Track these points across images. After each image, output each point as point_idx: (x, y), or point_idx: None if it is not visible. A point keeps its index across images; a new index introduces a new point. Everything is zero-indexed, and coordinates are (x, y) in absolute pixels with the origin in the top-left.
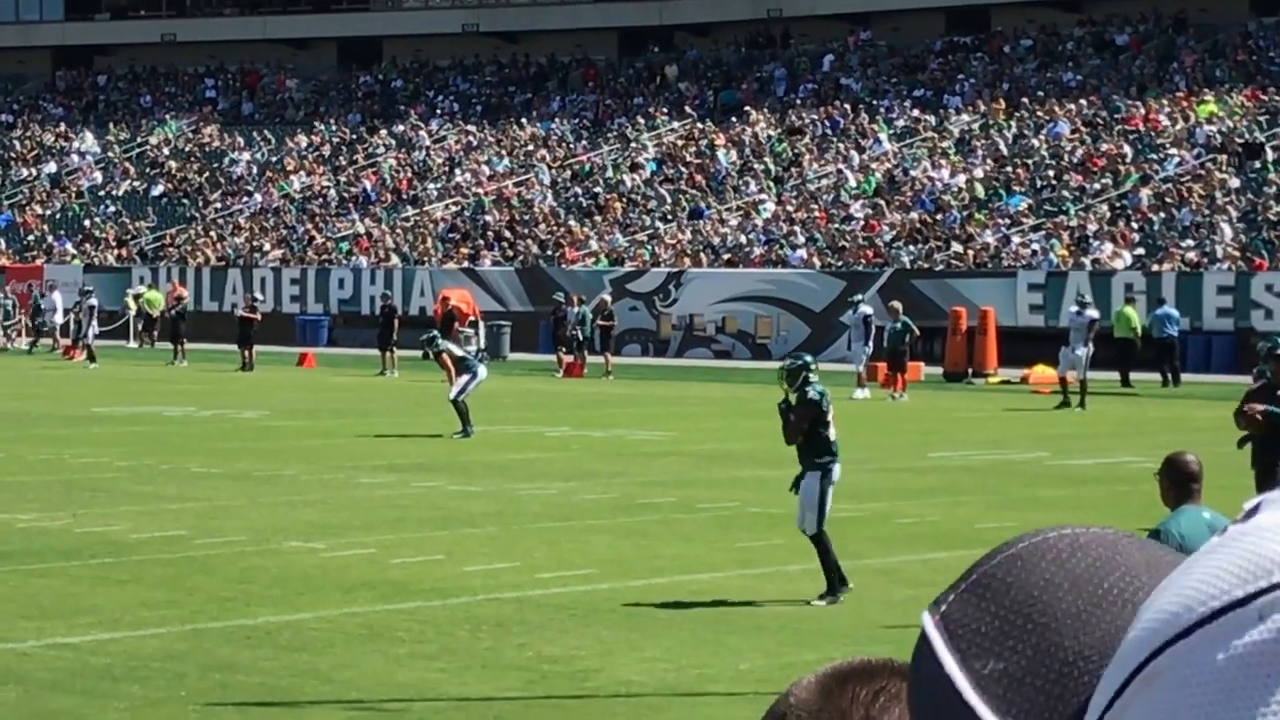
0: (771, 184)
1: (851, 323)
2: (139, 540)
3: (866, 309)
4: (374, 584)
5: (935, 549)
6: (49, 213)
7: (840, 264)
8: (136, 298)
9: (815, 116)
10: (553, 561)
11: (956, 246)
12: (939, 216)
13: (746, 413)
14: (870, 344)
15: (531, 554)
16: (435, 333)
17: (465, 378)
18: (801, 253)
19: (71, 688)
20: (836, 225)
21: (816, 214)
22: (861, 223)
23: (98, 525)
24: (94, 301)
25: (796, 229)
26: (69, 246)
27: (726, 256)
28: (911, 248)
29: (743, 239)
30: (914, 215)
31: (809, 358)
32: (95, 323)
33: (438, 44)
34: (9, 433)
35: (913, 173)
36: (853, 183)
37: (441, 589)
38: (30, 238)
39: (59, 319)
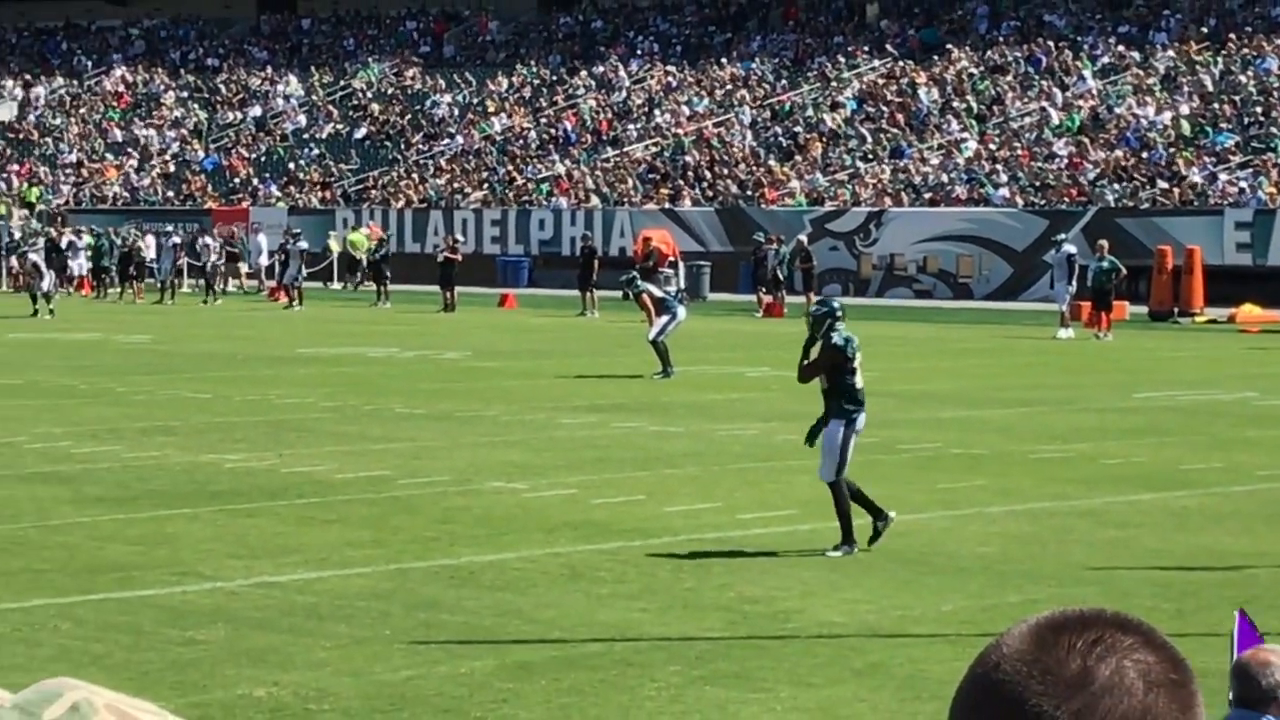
0: (973, 122)
1: (1055, 262)
2: (344, 480)
3: (1070, 248)
4: (576, 524)
5: (1141, 490)
6: (254, 156)
7: (1043, 203)
8: (345, 241)
9: (1018, 54)
10: (754, 502)
11: (1162, 184)
12: (1144, 154)
13: (948, 353)
14: (1074, 283)
15: (732, 494)
16: (634, 273)
17: (665, 318)
18: (1004, 191)
19: (279, 626)
20: (1039, 163)
21: (1019, 152)
22: (1065, 161)
23: (303, 465)
24: (304, 244)
25: (999, 167)
26: (274, 189)
27: (928, 195)
28: (1116, 186)
29: (944, 178)
30: (1118, 153)
31: (837, 304)
32: (303, 265)
33: None
34: (216, 373)
35: (1117, 110)
36: (1056, 120)
37: (643, 529)
38: (236, 181)
39: (264, 261)
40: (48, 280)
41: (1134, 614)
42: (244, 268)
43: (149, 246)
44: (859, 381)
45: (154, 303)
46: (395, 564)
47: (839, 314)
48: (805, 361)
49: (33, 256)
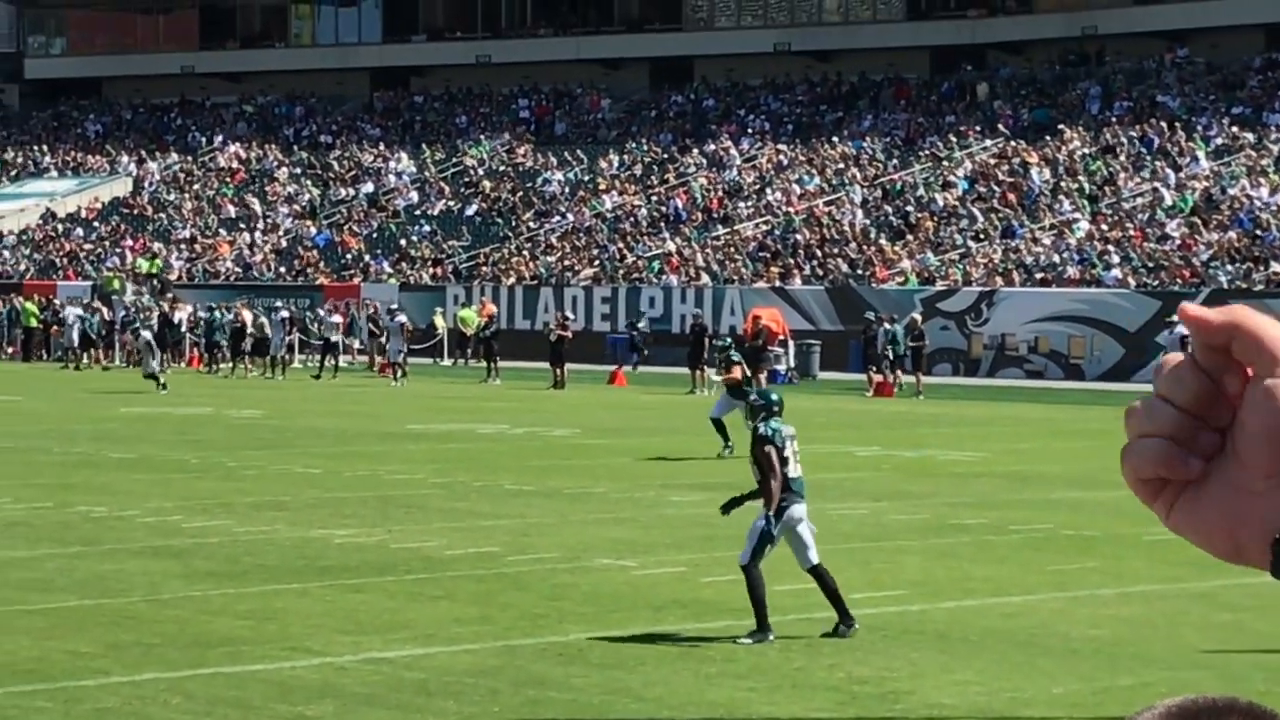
0: (1085, 202)
1: (1167, 343)
2: (453, 556)
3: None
4: (685, 602)
5: (1254, 573)
6: (366, 232)
7: (1156, 283)
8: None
9: (1130, 134)
10: (864, 582)
11: (1275, 266)
12: (1258, 235)
13: (1060, 434)
14: None
15: (842, 574)
16: (730, 341)
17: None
18: (1116, 272)
19: (387, 702)
20: (1152, 244)
21: (1132, 233)
22: (1178, 241)
23: (412, 541)
24: (402, 319)
25: (1111, 248)
26: (385, 266)
27: (1039, 275)
28: (1229, 267)
29: (1056, 258)
30: (1232, 234)
31: (775, 398)
32: (405, 341)
33: (749, 63)
34: (327, 449)
35: (1231, 191)
36: (1169, 201)
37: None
38: (348, 257)
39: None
40: (156, 360)
41: (1266, 704)
42: (355, 343)
43: (250, 321)
44: (792, 471)
45: (264, 377)
46: (503, 641)
47: (775, 408)
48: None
49: (145, 334)
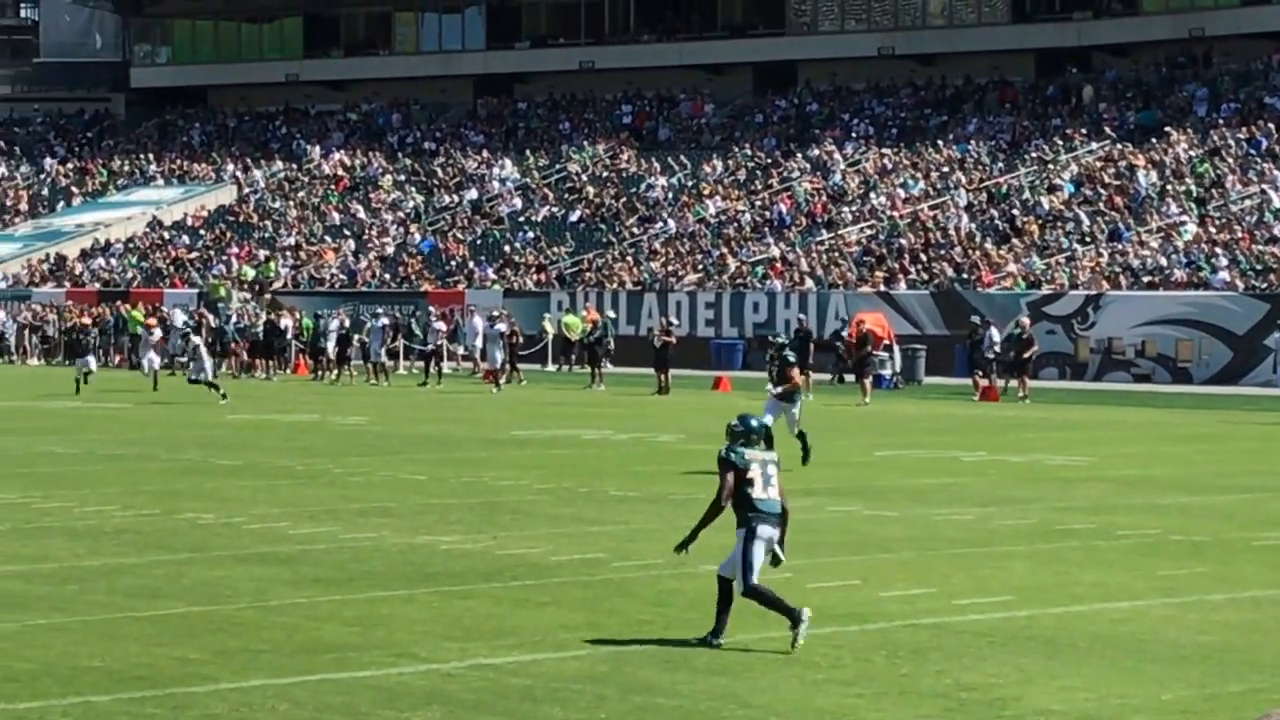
0: (1193, 205)
1: (1276, 346)
2: (558, 563)
3: None
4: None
5: None
6: (470, 239)
7: (1264, 286)
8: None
9: (1238, 136)
10: (970, 588)
11: None
12: None
13: (1168, 438)
14: None
15: (948, 580)
16: (785, 342)
17: (795, 408)
18: (1224, 275)
19: (493, 709)
20: (1260, 246)
21: (1239, 235)
22: None
23: (518, 547)
24: (501, 327)
25: (1219, 250)
26: (489, 272)
27: (1146, 279)
28: None
29: (1163, 261)
30: None
31: (755, 423)
32: (502, 348)
33: (853, 67)
34: (432, 455)
35: None
36: (1277, 203)
37: (858, 614)
38: (451, 263)
39: (479, 344)
40: (208, 367)
41: None
42: (460, 349)
43: (332, 331)
44: (757, 493)
45: (369, 384)
46: (610, 647)
47: (755, 435)
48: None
49: (195, 339)
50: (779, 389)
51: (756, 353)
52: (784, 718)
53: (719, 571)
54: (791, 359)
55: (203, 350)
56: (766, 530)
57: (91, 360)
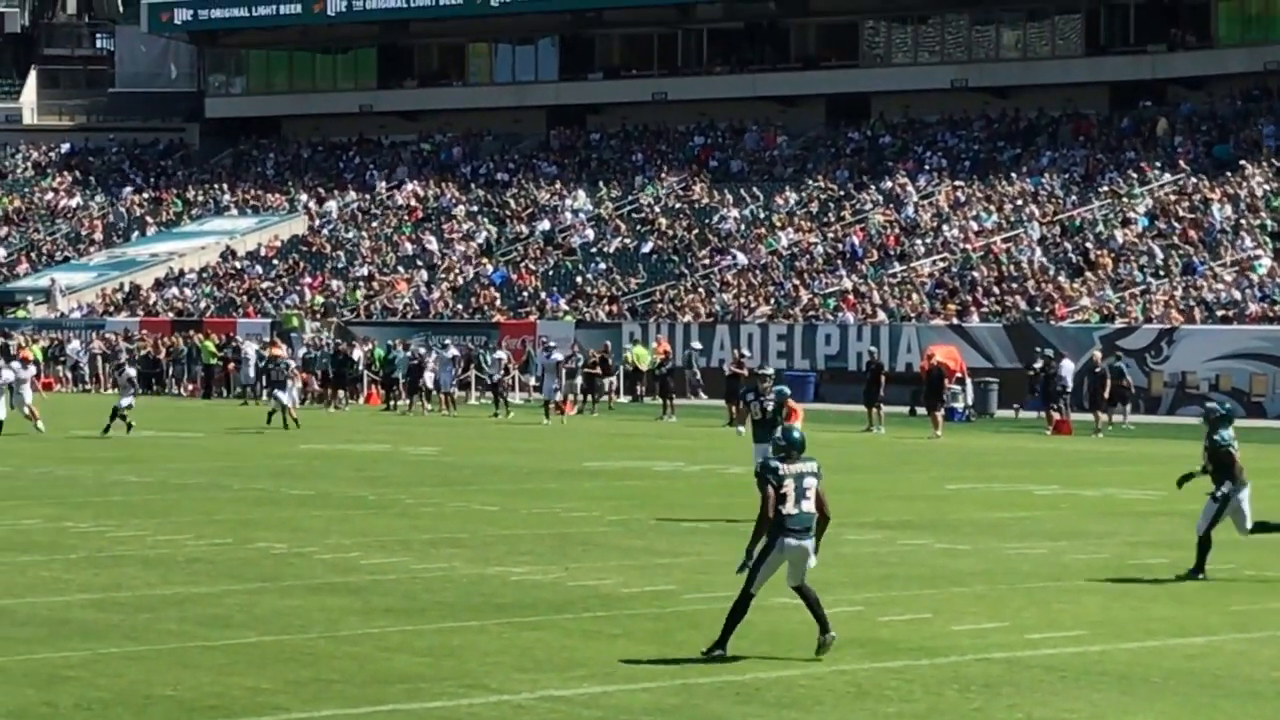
0: (1268, 239)
1: None
2: (629, 594)
3: None
4: (862, 641)
5: None
6: (542, 269)
7: None
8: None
9: None
10: (1043, 622)
11: None
12: None
13: None
14: None
15: (1020, 614)
16: (752, 390)
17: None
18: None
19: None
20: None
21: None
22: None
23: (589, 579)
24: (557, 356)
25: None
26: (561, 303)
27: (1220, 313)
28: None
29: (1237, 294)
30: None
31: (795, 435)
32: (562, 379)
33: (926, 99)
34: (504, 486)
35: None
36: None
37: (929, 648)
38: (524, 294)
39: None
40: (131, 397)
41: None
42: (531, 380)
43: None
44: (789, 509)
45: (440, 414)
46: (680, 679)
47: (794, 448)
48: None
49: (129, 370)
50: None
51: (828, 385)
52: None
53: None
54: (788, 392)
55: (134, 380)
56: (792, 543)
57: (283, 395)
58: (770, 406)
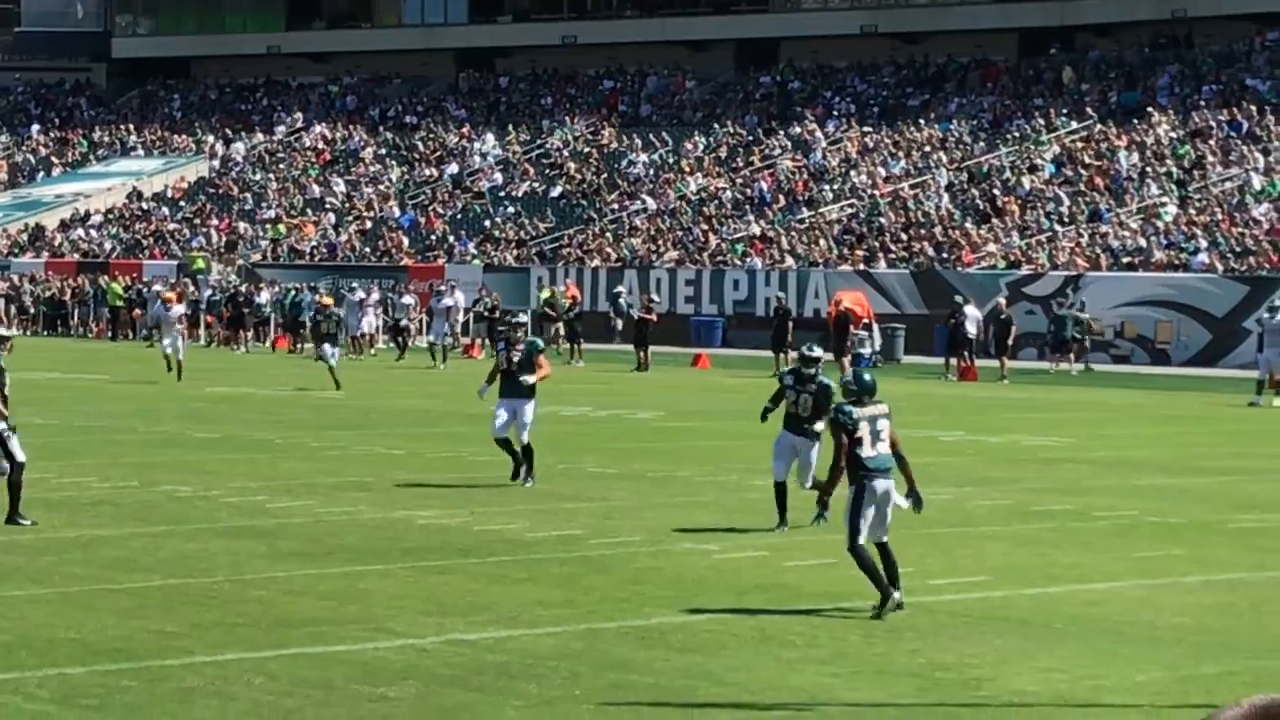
0: (1173, 186)
1: (1268, 327)
2: (535, 539)
3: None
4: (767, 587)
5: None
6: (450, 213)
7: (1243, 268)
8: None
9: (1219, 118)
10: (946, 568)
11: None
12: None
13: (1146, 419)
14: None
15: (925, 560)
16: (505, 340)
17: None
18: (1203, 257)
19: (469, 684)
20: (1240, 229)
21: (1220, 218)
22: (1266, 226)
23: (495, 523)
24: (448, 301)
25: (1199, 232)
26: (470, 247)
27: (1126, 260)
28: None
29: (1143, 242)
30: None
31: (867, 378)
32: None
33: (835, 45)
34: (410, 430)
35: None
36: (1257, 185)
37: (834, 593)
38: (432, 238)
39: (460, 318)
40: (335, 352)
41: None
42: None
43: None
44: (866, 451)
45: (348, 358)
46: (586, 624)
47: (866, 392)
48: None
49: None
50: (533, 378)
51: (736, 330)
52: (758, 695)
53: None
54: (540, 345)
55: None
56: (881, 485)
57: (330, 352)
58: (518, 359)
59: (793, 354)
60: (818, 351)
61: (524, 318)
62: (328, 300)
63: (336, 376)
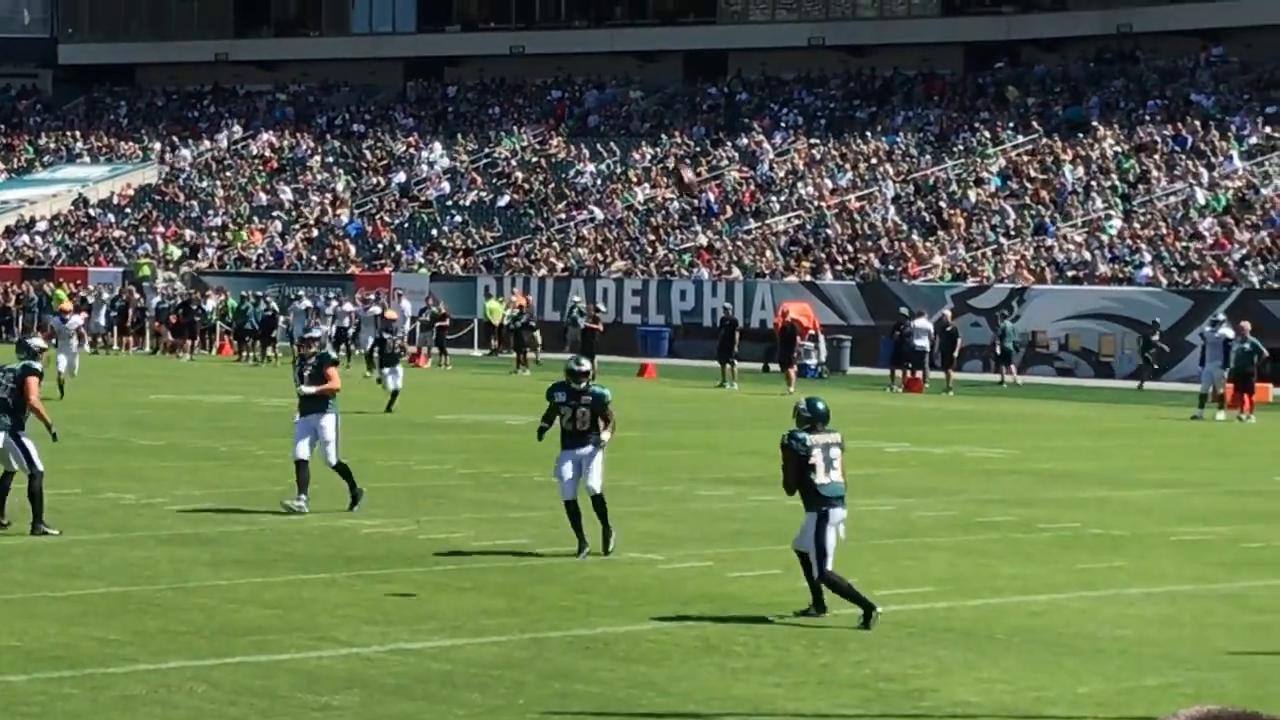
0: (1118, 200)
1: (1210, 341)
2: (480, 548)
3: (1228, 330)
4: (711, 597)
5: None
6: (398, 222)
7: (1188, 282)
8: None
9: (1164, 133)
10: (890, 578)
11: None
12: None
13: (1089, 432)
14: (1227, 366)
15: (869, 570)
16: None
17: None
18: (1148, 270)
19: (413, 693)
20: (1184, 243)
21: (1164, 231)
22: (1210, 241)
23: (440, 532)
24: (375, 310)
25: (1143, 246)
26: (417, 255)
27: (1071, 273)
28: (1262, 266)
29: (1088, 255)
30: (1264, 234)
31: (820, 406)
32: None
33: (783, 57)
34: (357, 438)
35: (1264, 191)
36: (1202, 200)
37: (778, 603)
38: (379, 246)
39: (407, 327)
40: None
41: None
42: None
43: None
44: (820, 478)
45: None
46: (530, 633)
47: (819, 419)
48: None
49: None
50: (313, 388)
51: (682, 340)
52: (702, 705)
53: (794, 547)
54: (333, 357)
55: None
56: (838, 514)
57: (392, 376)
58: (308, 371)
59: (740, 365)
60: (585, 365)
61: (317, 332)
62: (392, 314)
63: (395, 401)
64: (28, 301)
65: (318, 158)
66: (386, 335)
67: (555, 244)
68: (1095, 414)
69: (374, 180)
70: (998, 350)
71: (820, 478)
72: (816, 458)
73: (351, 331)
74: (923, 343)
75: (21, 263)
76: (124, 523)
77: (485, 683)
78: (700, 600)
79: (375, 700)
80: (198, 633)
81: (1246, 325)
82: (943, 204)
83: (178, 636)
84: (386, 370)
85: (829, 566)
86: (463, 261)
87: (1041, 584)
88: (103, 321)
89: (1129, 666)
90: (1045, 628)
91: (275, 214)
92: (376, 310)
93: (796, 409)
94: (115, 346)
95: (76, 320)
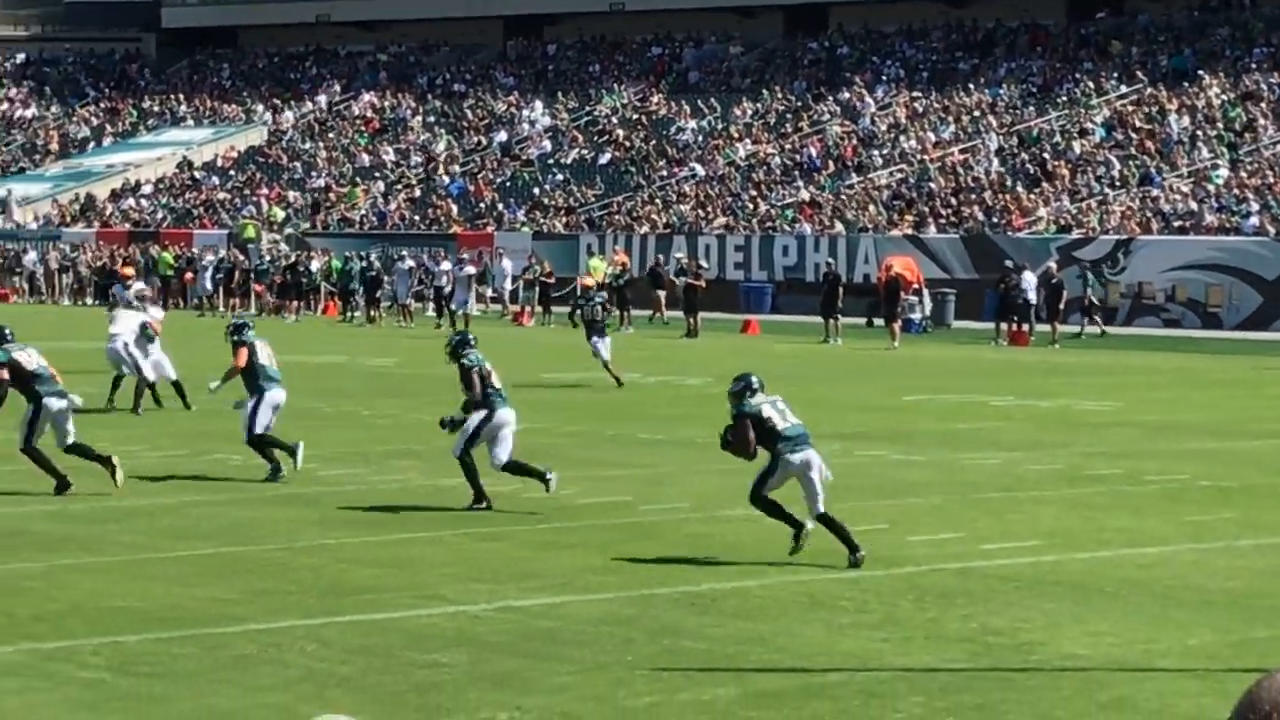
0: (1225, 150)
1: None
2: (585, 505)
3: None
4: (818, 553)
5: None
6: (499, 181)
7: None
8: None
9: (1270, 81)
10: (997, 532)
11: None
12: None
13: (1197, 383)
14: None
15: (976, 524)
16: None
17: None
18: (1255, 220)
19: (520, 650)
20: None
21: (1271, 180)
22: None
23: (544, 490)
24: (470, 270)
25: (1250, 196)
26: (519, 214)
27: (1177, 224)
28: None
29: (1194, 206)
30: None
31: (754, 379)
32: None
33: (885, 10)
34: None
35: None
36: None
37: (885, 558)
38: (481, 206)
39: (508, 285)
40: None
41: None
42: (488, 291)
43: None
44: (781, 424)
45: (397, 326)
46: (637, 590)
47: (755, 386)
48: (736, 441)
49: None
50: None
51: (785, 296)
52: (809, 660)
53: (813, 516)
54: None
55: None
56: (799, 456)
57: (603, 347)
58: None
59: (844, 320)
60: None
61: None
62: (588, 281)
63: (614, 371)
64: (134, 264)
65: (419, 118)
66: (583, 303)
67: (657, 201)
68: (1202, 365)
69: (475, 139)
70: (1084, 303)
71: (780, 424)
72: (769, 412)
73: (448, 290)
74: (1029, 295)
75: (128, 225)
76: (232, 484)
77: (592, 640)
78: (807, 555)
79: (482, 658)
80: (307, 591)
81: None
82: (1046, 155)
83: (288, 596)
84: (596, 340)
85: (820, 508)
86: (564, 220)
87: (1150, 537)
88: (209, 284)
89: (1239, 618)
90: (1154, 580)
91: (377, 174)
92: (470, 270)
93: (730, 391)
94: (221, 309)
95: (139, 287)
